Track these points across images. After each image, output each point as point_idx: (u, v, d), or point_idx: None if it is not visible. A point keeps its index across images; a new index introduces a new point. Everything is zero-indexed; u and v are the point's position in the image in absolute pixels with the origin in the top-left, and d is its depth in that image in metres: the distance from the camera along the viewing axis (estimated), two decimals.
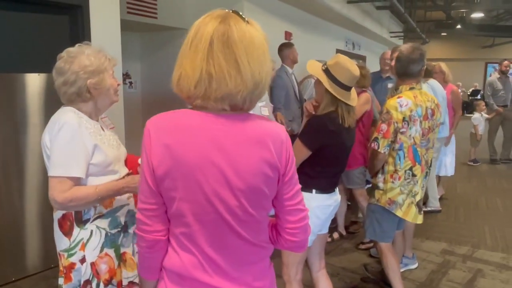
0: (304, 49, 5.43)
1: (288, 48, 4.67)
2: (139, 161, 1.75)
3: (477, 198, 5.36)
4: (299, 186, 1.16)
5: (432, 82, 4.21)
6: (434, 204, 4.67)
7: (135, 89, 5.59)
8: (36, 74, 3.03)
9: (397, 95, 2.47)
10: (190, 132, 1.02)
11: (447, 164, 4.93)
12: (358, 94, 3.47)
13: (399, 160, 2.47)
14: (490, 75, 18.85)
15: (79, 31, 3.17)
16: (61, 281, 1.68)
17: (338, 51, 8.75)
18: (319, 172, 2.12)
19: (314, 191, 2.12)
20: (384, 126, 2.39)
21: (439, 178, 5.05)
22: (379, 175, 2.55)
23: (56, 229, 1.68)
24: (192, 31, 1.04)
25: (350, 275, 3.20)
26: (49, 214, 3.06)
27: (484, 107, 7.55)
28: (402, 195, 2.50)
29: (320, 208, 2.14)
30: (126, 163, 1.83)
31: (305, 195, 2.09)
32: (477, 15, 12.78)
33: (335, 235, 3.87)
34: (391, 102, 2.42)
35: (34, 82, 3.04)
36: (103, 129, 1.74)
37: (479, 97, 15.96)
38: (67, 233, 1.65)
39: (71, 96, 1.63)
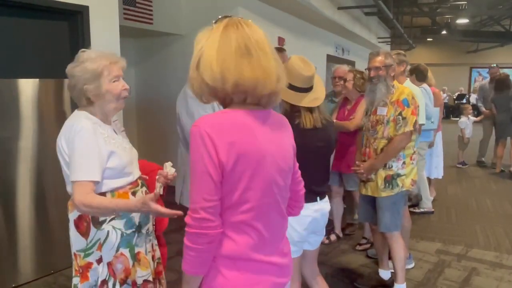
0: (296, 55, 5.51)
1: (279, 53, 4.75)
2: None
3: (467, 199, 5.48)
4: None
5: (426, 87, 4.32)
6: (427, 205, 4.77)
7: (129, 95, 5.57)
8: (37, 79, 3.04)
9: (402, 87, 2.77)
10: (248, 130, 1.16)
11: (437, 166, 5.05)
12: (359, 99, 3.54)
13: (417, 140, 2.81)
14: (475, 80, 19.26)
15: (78, 37, 3.19)
16: (76, 280, 1.71)
17: (328, 56, 8.88)
18: None
19: None
20: (414, 110, 2.66)
21: (430, 180, 5.17)
22: (394, 164, 2.69)
23: (72, 229, 1.71)
24: (233, 39, 1.14)
25: (349, 276, 3.25)
26: (45, 219, 3.09)
27: (471, 110, 7.73)
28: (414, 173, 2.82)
29: (295, 219, 1.96)
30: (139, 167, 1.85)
31: None
32: (462, 21, 13.06)
33: (332, 237, 3.92)
34: (409, 90, 2.72)
35: (34, 87, 3.04)
36: (115, 133, 1.76)
37: (464, 101, 16.29)
38: (84, 233, 1.68)
39: (75, 100, 1.69)
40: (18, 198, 3.04)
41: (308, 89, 2.01)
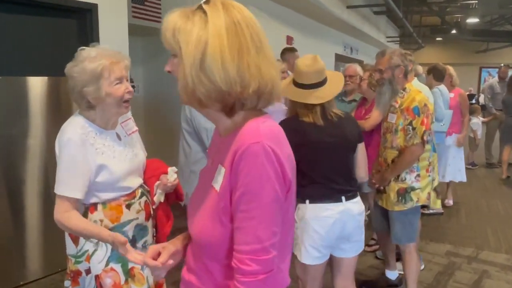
0: (304, 54, 5.49)
1: (289, 53, 4.72)
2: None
3: (477, 200, 5.41)
4: None
5: (442, 87, 4.27)
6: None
7: (137, 93, 5.59)
8: (46, 77, 3.04)
9: (414, 92, 2.53)
10: (284, 137, 0.97)
11: (460, 169, 4.97)
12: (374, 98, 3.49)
13: (433, 151, 2.61)
14: (485, 80, 19.16)
15: (87, 35, 3.19)
16: (67, 283, 1.67)
17: (337, 55, 8.83)
18: (307, 178, 1.95)
19: (307, 201, 1.96)
20: (425, 120, 2.41)
21: (448, 184, 5.09)
22: (407, 176, 2.50)
23: (66, 233, 1.66)
24: (243, 26, 0.90)
25: (357, 277, 3.20)
26: (53, 217, 3.08)
27: (480, 111, 7.66)
28: (431, 185, 2.62)
29: (315, 220, 1.95)
30: (145, 169, 1.78)
31: (300, 206, 1.99)
32: (472, 20, 12.93)
33: None
34: (421, 96, 2.48)
35: (43, 85, 3.04)
36: (119, 138, 1.65)
37: (474, 101, 16.11)
38: (74, 240, 1.63)
39: (75, 103, 1.57)
40: (26, 196, 3.04)
41: (313, 86, 1.95)
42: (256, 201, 0.88)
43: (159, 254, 1.05)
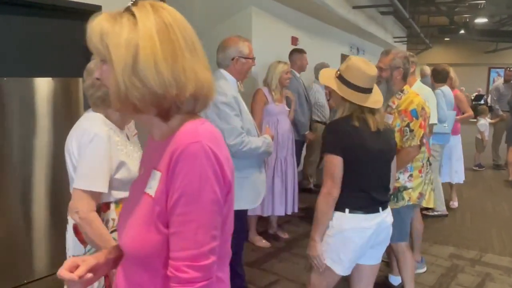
0: (309, 54, 5.47)
1: (297, 54, 4.75)
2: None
3: (483, 202, 5.37)
4: None
5: (445, 88, 4.25)
6: (441, 208, 4.69)
7: None
8: (50, 78, 3.08)
9: (412, 94, 2.56)
10: (222, 139, 0.95)
11: (457, 171, 4.94)
12: None
13: (426, 153, 2.66)
14: (494, 80, 19.01)
15: None
16: None
17: (343, 56, 8.80)
18: (348, 185, 1.90)
19: (347, 210, 1.89)
20: (423, 123, 2.47)
21: (451, 185, 5.06)
22: (401, 176, 2.56)
23: (70, 233, 1.66)
24: (175, 28, 0.88)
25: None
26: (59, 216, 3.13)
27: (488, 112, 7.61)
28: (425, 185, 2.66)
29: (354, 231, 1.89)
30: None
31: (338, 215, 1.91)
32: (481, 20, 12.81)
33: None
34: (419, 99, 2.52)
35: (49, 86, 3.08)
36: (128, 139, 1.70)
37: (482, 102, 15.98)
38: (83, 241, 1.62)
39: (96, 100, 1.59)
40: (33, 194, 3.08)
41: (367, 90, 1.94)
42: (195, 204, 0.84)
43: (77, 267, 0.98)
